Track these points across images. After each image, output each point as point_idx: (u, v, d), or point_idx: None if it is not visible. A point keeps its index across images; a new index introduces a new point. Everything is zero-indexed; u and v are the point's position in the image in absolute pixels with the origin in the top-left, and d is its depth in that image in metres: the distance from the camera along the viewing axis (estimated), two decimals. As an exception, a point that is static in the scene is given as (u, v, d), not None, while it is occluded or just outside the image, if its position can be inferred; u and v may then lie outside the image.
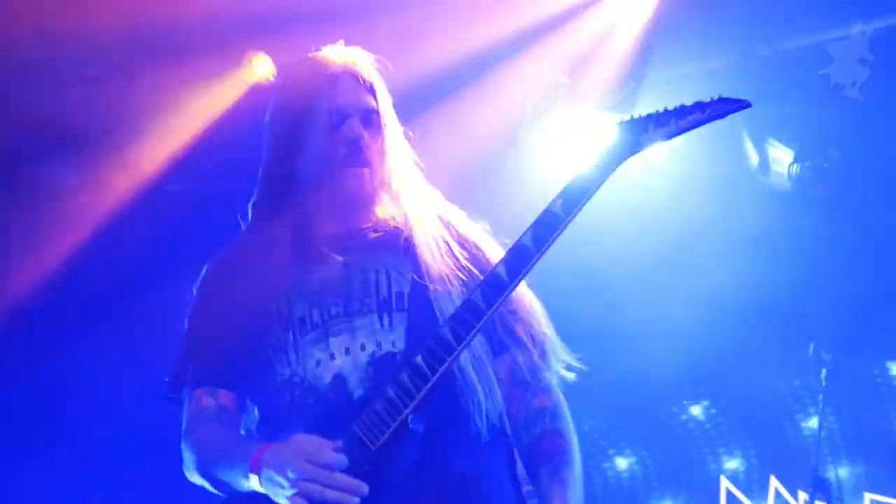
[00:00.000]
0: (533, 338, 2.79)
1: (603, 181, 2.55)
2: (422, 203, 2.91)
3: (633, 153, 2.57)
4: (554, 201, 2.54)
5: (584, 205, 2.53)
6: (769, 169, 6.56)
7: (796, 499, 7.14)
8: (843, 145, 6.39)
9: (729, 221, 6.61)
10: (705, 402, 7.56)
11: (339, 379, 2.67)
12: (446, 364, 2.50)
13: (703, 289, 6.75)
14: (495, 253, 2.84)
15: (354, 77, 2.91)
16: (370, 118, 2.89)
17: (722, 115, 2.55)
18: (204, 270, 2.94)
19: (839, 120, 6.11)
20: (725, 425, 7.51)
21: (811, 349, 6.62)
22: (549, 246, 2.52)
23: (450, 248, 2.83)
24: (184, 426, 2.79)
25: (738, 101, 2.55)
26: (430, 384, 2.49)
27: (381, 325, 2.72)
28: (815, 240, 6.63)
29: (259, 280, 2.80)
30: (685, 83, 6.05)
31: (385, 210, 2.89)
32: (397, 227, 2.85)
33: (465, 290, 2.75)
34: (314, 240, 2.83)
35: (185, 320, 2.89)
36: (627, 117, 2.59)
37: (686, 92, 5.75)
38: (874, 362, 7.14)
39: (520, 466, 2.76)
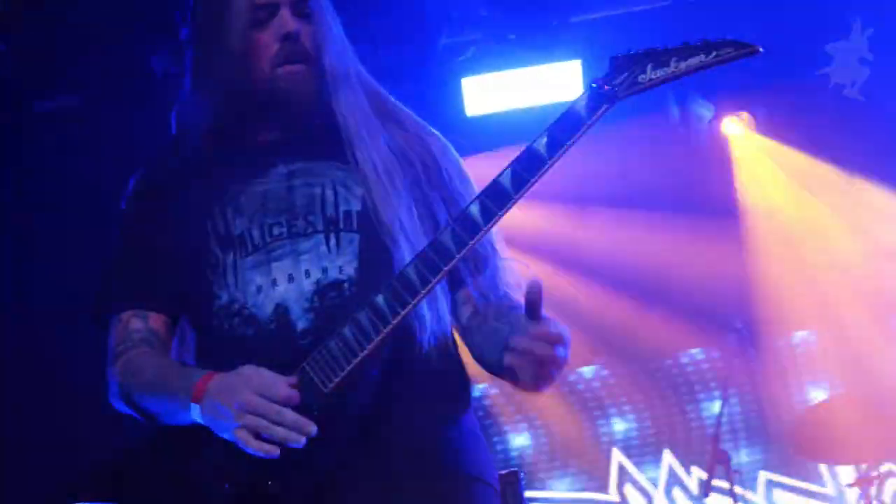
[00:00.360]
0: (485, 259, 2.64)
1: (593, 122, 2.39)
2: (362, 103, 2.71)
3: (629, 94, 2.39)
4: (537, 140, 2.39)
5: (570, 146, 2.37)
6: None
7: (689, 474, 7.00)
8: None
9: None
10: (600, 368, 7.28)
11: (281, 309, 2.55)
12: (409, 307, 2.41)
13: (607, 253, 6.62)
14: (443, 154, 2.72)
15: None
16: (302, 7, 2.67)
17: (728, 61, 2.34)
18: (131, 182, 2.78)
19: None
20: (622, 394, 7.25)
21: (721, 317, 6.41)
22: (529, 188, 2.39)
23: (396, 158, 2.66)
24: (109, 351, 2.66)
25: (748, 45, 2.34)
26: (390, 327, 2.41)
27: (328, 248, 2.58)
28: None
29: (192, 194, 2.65)
30: (612, 25, 5.94)
31: (328, 112, 2.68)
32: (341, 132, 2.66)
33: (415, 202, 2.63)
34: (252, 149, 2.67)
35: (115, 237, 2.75)
36: (622, 53, 2.41)
37: (613, 36, 5.67)
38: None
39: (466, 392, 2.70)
